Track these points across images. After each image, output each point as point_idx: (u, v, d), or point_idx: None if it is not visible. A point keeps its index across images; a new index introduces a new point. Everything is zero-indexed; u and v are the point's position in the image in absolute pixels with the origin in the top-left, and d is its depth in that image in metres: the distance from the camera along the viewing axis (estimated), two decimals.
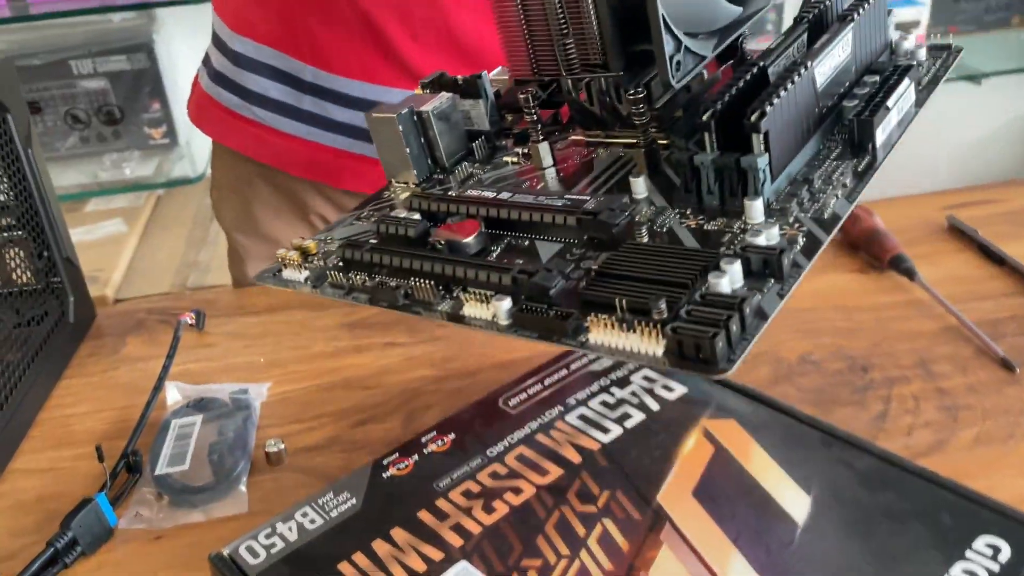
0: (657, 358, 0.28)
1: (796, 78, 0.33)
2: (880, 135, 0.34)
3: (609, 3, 0.34)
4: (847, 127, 0.35)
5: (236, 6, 0.73)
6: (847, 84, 0.37)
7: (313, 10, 0.68)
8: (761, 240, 0.30)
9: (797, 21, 0.38)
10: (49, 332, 0.59)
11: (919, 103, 0.38)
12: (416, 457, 0.42)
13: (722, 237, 0.31)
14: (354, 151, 0.71)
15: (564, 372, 0.47)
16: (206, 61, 0.78)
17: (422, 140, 0.40)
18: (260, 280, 0.39)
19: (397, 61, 0.68)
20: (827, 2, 0.38)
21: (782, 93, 0.32)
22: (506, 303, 0.31)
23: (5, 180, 0.58)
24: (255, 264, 0.76)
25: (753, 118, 0.31)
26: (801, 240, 0.31)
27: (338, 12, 0.67)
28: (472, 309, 0.32)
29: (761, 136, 0.31)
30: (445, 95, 0.41)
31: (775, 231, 0.30)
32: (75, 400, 0.57)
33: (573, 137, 0.41)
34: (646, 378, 0.46)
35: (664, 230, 0.33)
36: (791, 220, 0.32)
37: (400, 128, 0.39)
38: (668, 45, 0.33)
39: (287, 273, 0.38)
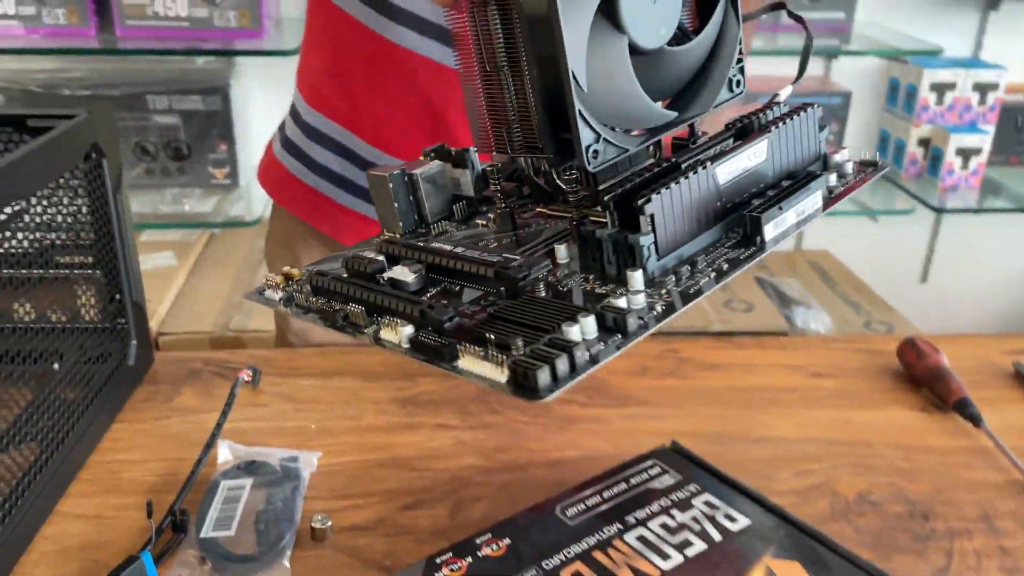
0: (500, 384, 0.33)
1: (692, 174, 0.38)
2: (770, 230, 0.39)
3: (544, 98, 0.38)
4: (743, 221, 0.40)
5: (314, 82, 0.76)
6: (762, 185, 0.42)
7: (380, 95, 0.70)
8: (621, 302, 0.35)
9: (727, 127, 0.43)
10: (110, 374, 0.60)
11: (828, 206, 0.42)
12: (470, 559, 0.42)
13: (603, 299, 0.36)
14: None
15: (623, 486, 0.47)
16: (281, 128, 0.81)
17: (410, 198, 0.46)
18: (247, 298, 0.44)
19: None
20: (757, 116, 0.44)
21: (673, 185, 0.37)
22: (408, 330, 0.36)
23: (91, 221, 0.59)
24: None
25: (640, 202, 0.36)
26: (660, 308, 0.35)
27: (402, 99, 0.70)
28: (386, 333, 0.37)
29: (647, 218, 0.36)
30: (436, 163, 0.46)
31: (641, 298, 0.35)
32: (126, 446, 0.58)
33: (539, 209, 0.46)
34: (708, 504, 0.45)
35: (566, 289, 0.38)
36: (663, 292, 0.36)
37: (391, 186, 0.45)
38: (585, 136, 0.37)
39: (268, 292, 0.43)
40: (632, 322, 0.34)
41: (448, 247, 0.42)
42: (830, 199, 0.43)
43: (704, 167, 0.39)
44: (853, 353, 0.70)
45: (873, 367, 0.68)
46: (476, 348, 0.34)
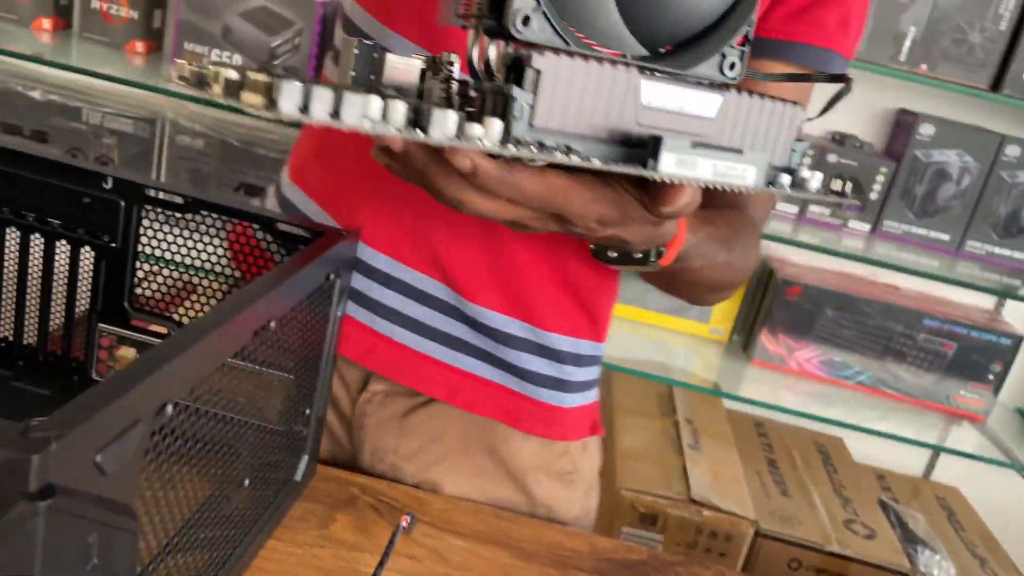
0: (261, 106, 0.33)
1: (610, 66, 0.36)
2: (668, 160, 0.37)
3: None
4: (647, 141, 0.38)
5: (301, 158, 0.77)
6: (705, 142, 0.39)
7: (362, 184, 0.70)
8: (449, 117, 0.33)
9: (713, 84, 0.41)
10: (279, 487, 0.59)
11: (759, 185, 0.40)
12: None
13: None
14: (374, 327, 0.71)
15: None
16: (265, 195, 0.82)
17: (371, 77, 0.42)
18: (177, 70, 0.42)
19: (428, 250, 0.69)
20: (739, 88, 0.41)
21: (579, 59, 0.36)
22: (263, 77, 0.35)
23: (303, 329, 0.60)
24: None
25: (534, 52, 0.35)
26: (486, 142, 0.34)
27: (384, 185, 0.68)
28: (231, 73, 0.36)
29: (533, 72, 0.35)
30: (419, 64, 0.43)
31: (477, 128, 0.34)
32: (279, 570, 0.56)
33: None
34: None
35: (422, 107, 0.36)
36: (513, 141, 0.35)
37: (355, 52, 0.42)
38: None
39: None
40: (449, 123, 0.33)
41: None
42: (771, 186, 0.41)
43: (627, 68, 0.37)
44: None
45: None
46: (262, 77, 0.33)
